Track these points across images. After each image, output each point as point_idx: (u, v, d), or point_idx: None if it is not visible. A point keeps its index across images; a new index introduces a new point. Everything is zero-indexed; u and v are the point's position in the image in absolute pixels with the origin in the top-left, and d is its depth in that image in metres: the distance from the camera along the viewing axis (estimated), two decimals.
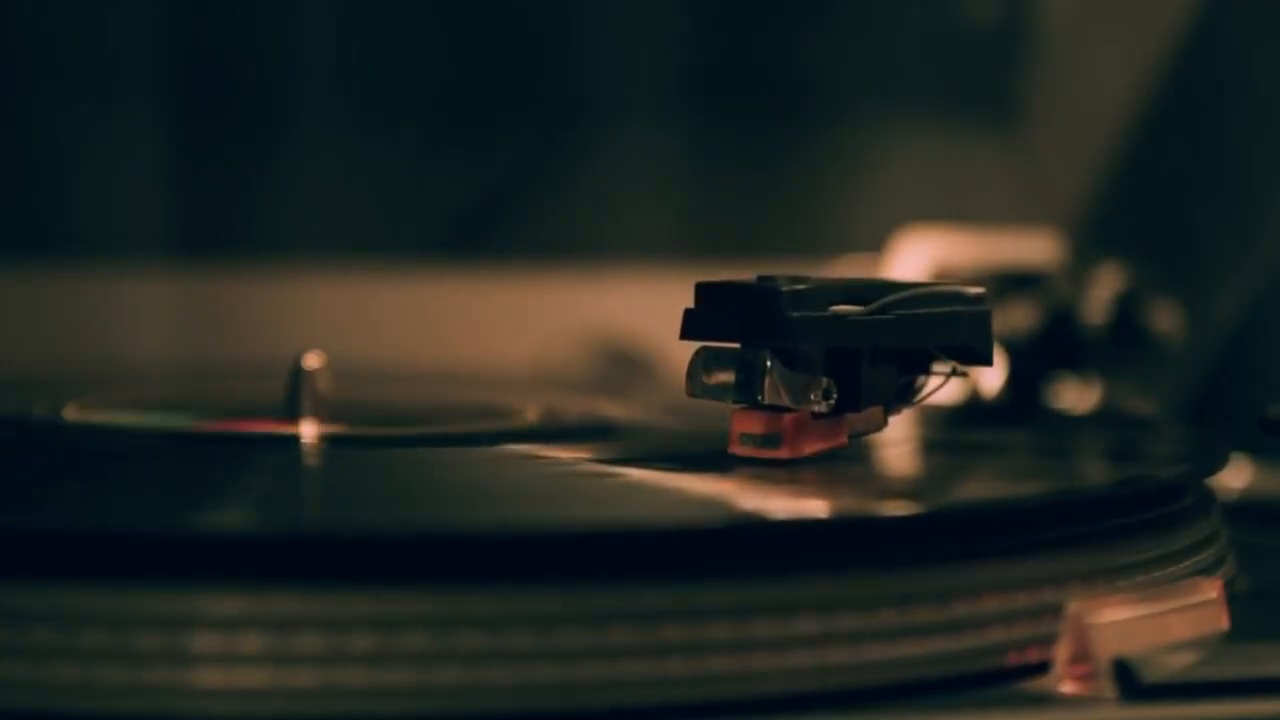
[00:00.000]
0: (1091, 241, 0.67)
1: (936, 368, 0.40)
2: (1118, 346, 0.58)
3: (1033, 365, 0.57)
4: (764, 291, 0.37)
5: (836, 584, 0.32)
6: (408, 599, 0.30)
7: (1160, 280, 0.59)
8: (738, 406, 0.38)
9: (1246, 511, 0.48)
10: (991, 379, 0.56)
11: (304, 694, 0.29)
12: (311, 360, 0.45)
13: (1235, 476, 0.51)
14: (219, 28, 0.72)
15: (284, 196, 0.73)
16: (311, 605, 0.30)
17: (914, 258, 0.61)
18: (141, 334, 0.71)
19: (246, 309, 0.71)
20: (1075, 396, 0.57)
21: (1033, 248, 0.61)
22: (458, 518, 0.33)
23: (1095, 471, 0.45)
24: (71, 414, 0.47)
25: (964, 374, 0.40)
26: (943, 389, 0.40)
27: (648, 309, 0.68)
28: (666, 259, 0.73)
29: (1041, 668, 0.33)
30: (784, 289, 0.37)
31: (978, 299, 0.39)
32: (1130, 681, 0.32)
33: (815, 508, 0.35)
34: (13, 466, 0.40)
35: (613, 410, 0.50)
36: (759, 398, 0.37)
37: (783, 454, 0.38)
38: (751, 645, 0.31)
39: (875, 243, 0.67)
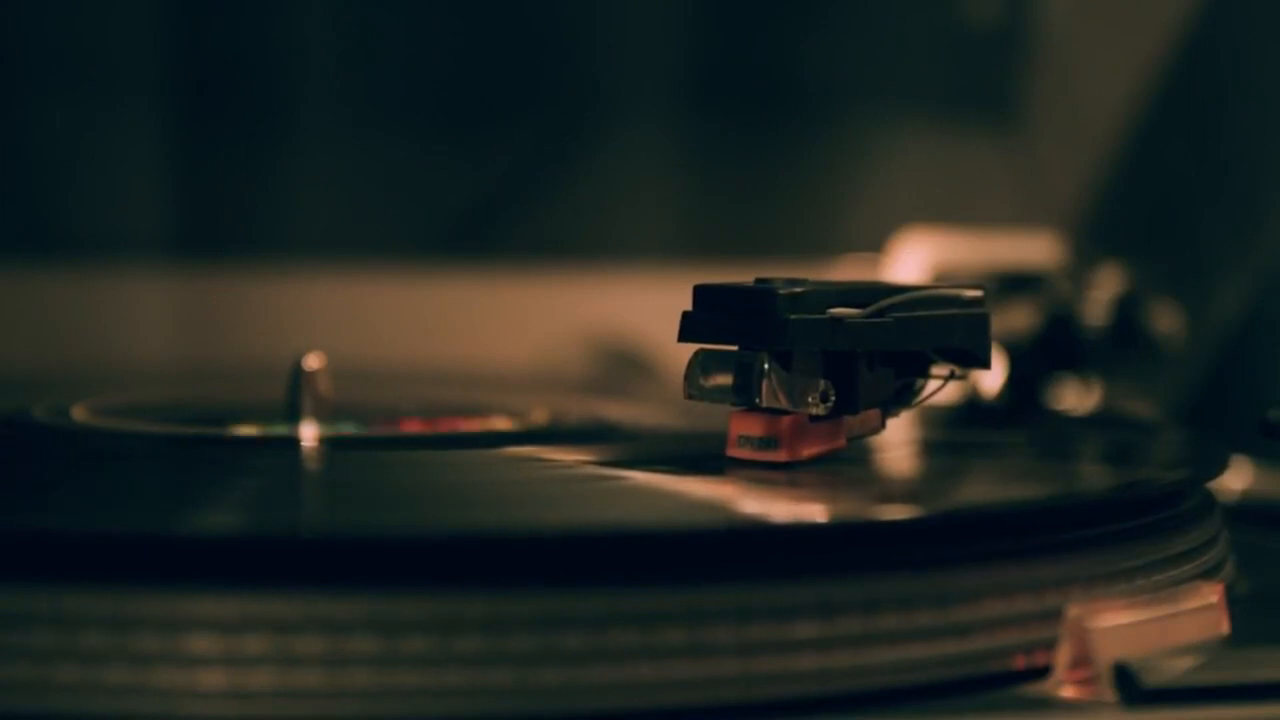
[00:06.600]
0: (1091, 242, 0.67)
1: (934, 370, 0.40)
2: (1118, 347, 0.58)
3: (1033, 366, 0.57)
4: (761, 294, 0.37)
5: (836, 588, 0.32)
6: (409, 602, 0.30)
7: (1160, 280, 0.59)
8: (736, 409, 0.38)
9: (1247, 514, 0.48)
10: (991, 380, 0.56)
11: (305, 696, 0.29)
12: (311, 360, 0.45)
13: (1236, 479, 0.51)
14: (219, 27, 0.72)
15: (284, 196, 0.73)
16: (312, 608, 0.30)
17: (914, 259, 0.61)
18: (141, 334, 0.71)
19: (246, 309, 0.71)
20: (1075, 398, 0.57)
21: (1033, 248, 0.61)
22: (458, 520, 0.33)
23: (1096, 475, 0.44)
24: (71, 415, 0.47)
25: (962, 377, 0.40)
26: (941, 391, 0.40)
27: (648, 309, 0.68)
28: (666, 259, 0.73)
29: (1042, 672, 0.33)
30: (781, 292, 0.37)
31: (975, 302, 0.39)
32: (1130, 686, 0.32)
33: (816, 511, 0.35)
34: (12, 467, 0.40)
35: (613, 411, 0.50)
36: (757, 400, 0.37)
37: (781, 456, 0.38)
38: (751, 649, 0.31)
39: (875, 243, 0.67)
